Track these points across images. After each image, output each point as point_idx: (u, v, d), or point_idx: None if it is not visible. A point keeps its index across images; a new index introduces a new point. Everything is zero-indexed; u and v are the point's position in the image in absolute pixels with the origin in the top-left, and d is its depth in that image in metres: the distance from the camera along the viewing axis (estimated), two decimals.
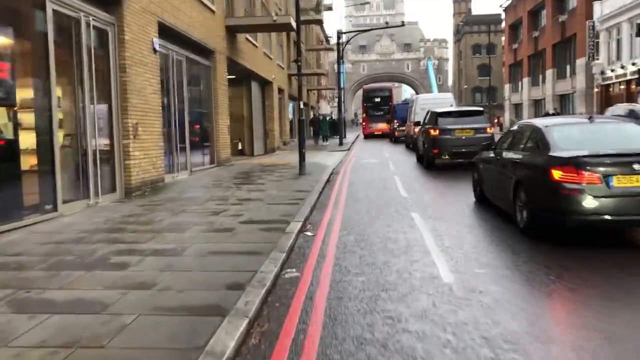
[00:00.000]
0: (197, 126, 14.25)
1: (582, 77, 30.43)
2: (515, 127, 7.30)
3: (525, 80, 41.89)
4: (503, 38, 68.55)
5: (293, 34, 23.81)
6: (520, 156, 6.14)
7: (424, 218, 6.80)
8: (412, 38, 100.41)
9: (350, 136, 34.14)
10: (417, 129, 19.59)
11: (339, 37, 26.70)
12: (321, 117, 27.64)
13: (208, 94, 14.68)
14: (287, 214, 6.69)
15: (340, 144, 24.03)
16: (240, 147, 19.02)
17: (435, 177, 11.77)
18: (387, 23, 36.70)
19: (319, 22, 25.61)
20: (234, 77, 17.32)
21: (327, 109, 49.44)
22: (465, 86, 68.18)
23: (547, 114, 28.63)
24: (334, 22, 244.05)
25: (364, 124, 36.46)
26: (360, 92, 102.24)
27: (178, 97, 11.94)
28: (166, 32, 10.81)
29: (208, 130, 14.84)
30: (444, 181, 10.95)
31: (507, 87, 47.64)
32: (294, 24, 15.56)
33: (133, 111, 8.95)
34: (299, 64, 13.42)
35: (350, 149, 21.52)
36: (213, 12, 14.29)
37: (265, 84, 21.83)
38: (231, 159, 16.07)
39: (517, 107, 44.97)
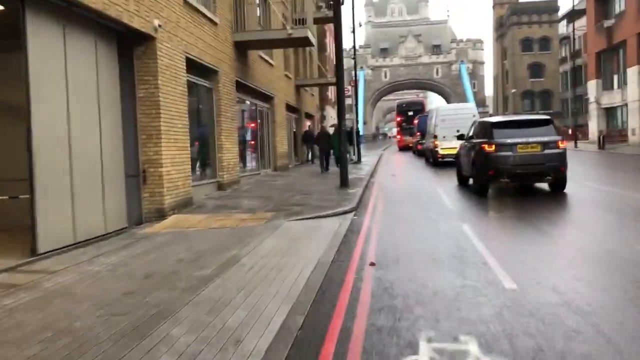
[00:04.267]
0: None
1: None
2: None
3: (634, 70, 31.74)
4: (562, 28, 66.31)
5: None
6: None
7: None
8: (441, 39, 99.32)
9: (369, 157, 32.18)
10: (436, 142, 21.44)
11: (353, 29, 25.15)
12: (332, 130, 24.40)
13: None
14: None
15: (341, 172, 22.19)
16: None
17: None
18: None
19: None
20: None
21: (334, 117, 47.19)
22: (514, 90, 65.89)
23: None
24: (357, 30, 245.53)
25: (398, 137, 46.06)
26: (380, 104, 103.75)
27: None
28: None
29: None
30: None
31: (592, 84, 38.44)
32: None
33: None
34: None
35: (368, 185, 19.73)
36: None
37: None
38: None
39: (611, 112, 37.13)
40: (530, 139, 11.33)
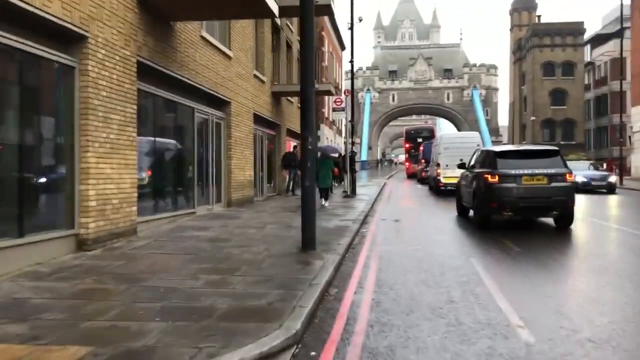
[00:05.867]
0: None
1: None
2: None
3: None
4: (589, 51, 59.98)
5: (268, 20, 16.26)
6: None
7: None
8: (453, 63, 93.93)
9: (368, 188, 25.72)
10: (439, 170, 21.68)
11: (352, 28, 18.92)
12: (320, 156, 17.69)
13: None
14: None
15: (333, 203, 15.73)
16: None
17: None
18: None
19: (329, 12, 17.46)
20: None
21: (331, 137, 40.02)
22: (533, 118, 59.46)
23: None
24: (363, 51, 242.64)
25: (407, 164, 44.42)
26: (386, 129, 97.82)
27: None
28: None
29: None
30: None
31: (638, 110, 33.22)
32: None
33: None
34: None
35: (353, 243, 13.30)
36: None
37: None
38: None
39: None
40: (536, 171, 10.85)
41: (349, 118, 20.33)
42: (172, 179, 11.71)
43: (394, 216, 14.23)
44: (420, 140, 40.83)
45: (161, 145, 11.15)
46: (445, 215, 14.55)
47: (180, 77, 11.14)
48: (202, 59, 12.29)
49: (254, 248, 8.13)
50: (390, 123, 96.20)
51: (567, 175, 10.87)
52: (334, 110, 18.68)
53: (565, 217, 11.20)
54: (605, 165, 39.39)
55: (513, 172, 10.80)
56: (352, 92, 19.81)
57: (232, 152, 14.45)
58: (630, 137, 33.23)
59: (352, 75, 20.70)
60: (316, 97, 32.05)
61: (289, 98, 21.69)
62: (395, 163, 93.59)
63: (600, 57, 58.02)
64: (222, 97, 13.75)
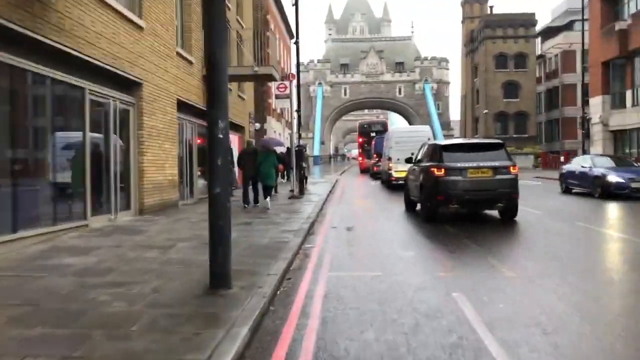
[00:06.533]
0: None
1: None
2: None
3: None
4: (539, 44, 59.24)
5: None
6: None
7: None
8: (405, 56, 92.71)
9: (319, 186, 23.26)
10: (390, 164, 21.31)
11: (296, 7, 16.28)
12: (260, 149, 15.15)
13: None
14: None
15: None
16: None
17: None
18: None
19: None
20: None
21: (279, 131, 37.40)
22: (486, 111, 58.41)
23: None
24: (314, 46, 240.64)
25: (360, 159, 43.54)
26: (339, 124, 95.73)
27: None
28: None
29: None
30: None
31: (597, 101, 30.89)
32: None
33: None
34: None
35: (290, 269, 10.67)
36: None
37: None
38: None
39: (621, 136, 29.79)
40: (482, 164, 10.80)
41: (295, 107, 17.71)
42: (50, 182, 8.76)
43: (346, 222, 11.73)
44: (373, 134, 40.22)
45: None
46: (404, 217, 12.23)
47: (60, 46, 8.23)
48: (96, 25, 9.38)
49: (138, 288, 5.42)
50: (343, 118, 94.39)
51: (511, 168, 10.93)
52: (276, 97, 16.01)
53: (511, 209, 11.11)
54: (563, 158, 38.49)
55: (459, 165, 10.75)
56: (298, 75, 17.16)
57: (145, 145, 11.57)
58: (588, 128, 32.10)
59: (298, 53, 18.03)
60: (261, 85, 29.27)
61: (228, 86, 18.86)
62: (348, 158, 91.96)
63: (551, 49, 57.61)
64: (129, 76, 10.85)
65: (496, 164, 10.81)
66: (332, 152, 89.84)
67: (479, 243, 8.70)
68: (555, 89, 57.71)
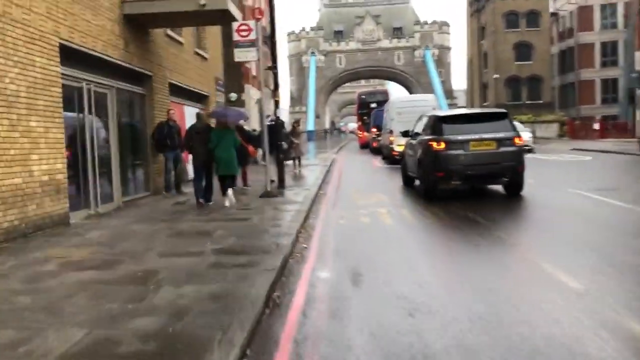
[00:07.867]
0: None
1: None
2: None
3: None
4: (551, 1, 53.23)
5: None
6: None
7: None
8: (403, 21, 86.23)
9: (308, 170, 17.94)
10: (392, 138, 19.70)
11: None
12: (216, 124, 9.98)
13: None
14: None
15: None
16: None
17: None
18: None
19: None
20: None
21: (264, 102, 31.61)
22: (496, 76, 52.67)
23: None
24: (308, 15, 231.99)
25: (360, 132, 40.59)
26: (334, 97, 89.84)
27: None
28: None
29: None
30: None
31: None
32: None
33: None
34: None
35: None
36: None
37: None
38: None
39: None
40: (484, 135, 10.17)
41: (269, 63, 12.26)
42: None
43: (348, 257, 6.36)
44: (374, 105, 37.14)
45: None
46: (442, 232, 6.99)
47: None
48: None
49: None
50: (339, 90, 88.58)
51: (516, 139, 10.35)
52: (236, 46, 10.47)
53: (516, 184, 10.50)
54: (597, 126, 33.15)
55: (460, 137, 10.14)
56: (272, 12, 11.45)
57: None
58: (632, 90, 26.69)
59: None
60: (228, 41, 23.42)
61: (170, 33, 13.26)
62: (345, 132, 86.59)
63: (566, 5, 51.84)
64: None
65: (500, 135, 10.22)
66: (328, 126, 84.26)
67: None
68: (570, 50, 52.11)
